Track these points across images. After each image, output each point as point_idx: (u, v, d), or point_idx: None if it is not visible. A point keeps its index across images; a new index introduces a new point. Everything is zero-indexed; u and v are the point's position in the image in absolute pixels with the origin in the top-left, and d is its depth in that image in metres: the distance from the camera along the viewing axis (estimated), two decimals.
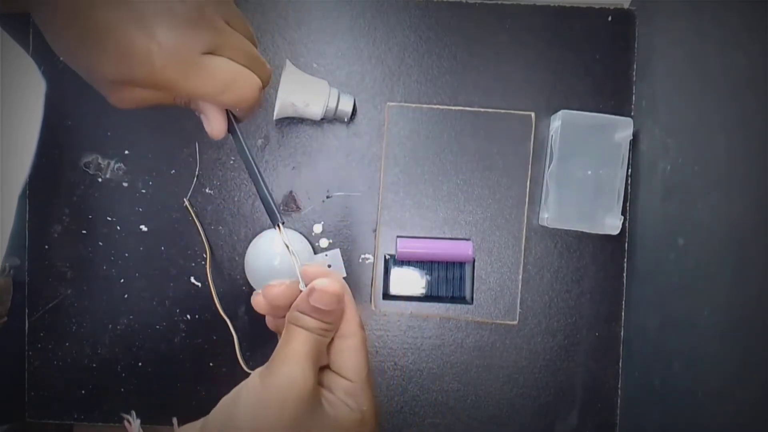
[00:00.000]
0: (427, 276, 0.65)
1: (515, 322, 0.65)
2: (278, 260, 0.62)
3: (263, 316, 0.66)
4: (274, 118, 0.62)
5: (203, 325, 0.65)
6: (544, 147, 0.65)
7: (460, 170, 0.65)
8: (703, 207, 0.51)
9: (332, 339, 0.36)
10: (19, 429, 0.64)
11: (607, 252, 0.65)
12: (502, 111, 0.65)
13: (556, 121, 0.62)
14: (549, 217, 0.62)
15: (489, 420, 0.65)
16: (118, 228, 0.64)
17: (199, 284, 0.65)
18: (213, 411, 0.33)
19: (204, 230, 0.44)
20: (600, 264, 0.65)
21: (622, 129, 0.62)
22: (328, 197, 0.65)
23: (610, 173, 0.62)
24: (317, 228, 0.65)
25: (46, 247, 0.64)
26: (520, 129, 0.65)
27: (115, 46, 0.27)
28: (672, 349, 0.55)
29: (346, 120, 0.63)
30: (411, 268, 0.65)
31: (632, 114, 0.64)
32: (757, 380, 0.42)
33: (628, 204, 0.64)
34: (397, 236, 0.65)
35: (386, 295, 0.65)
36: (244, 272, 0.64)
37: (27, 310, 0.65)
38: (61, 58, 0.29)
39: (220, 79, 0.30)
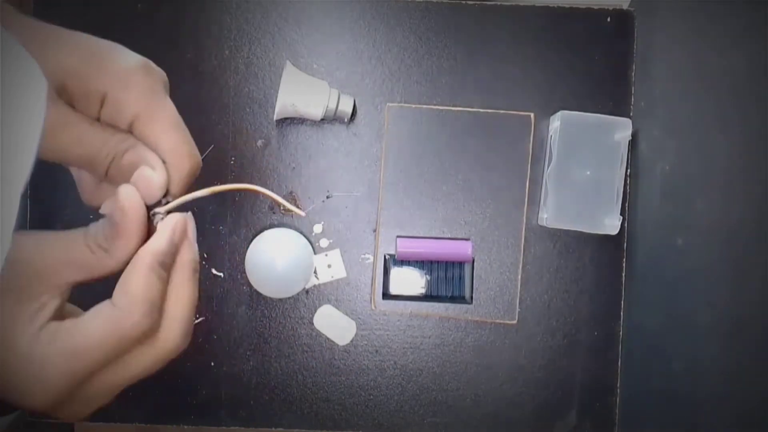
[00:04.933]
0: (427, 276, 0.65)
1: (514, 322, 0.65)
2: (279, 260, 0.62)
3: (263, 317, 0.66)
4: (275, 118, 0.62)
5: (203, 324, 0.65)
6: (544, 147, 0.65)
7: (460, 170, 0.65)
8: (701, 207, 0.51)
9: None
10: (21, 425, 0.64)
11: (606, 252, 0.65)
12: (502, 111, 0.65)
13: (556, 122, 0.62)
14: (548, 217, 0.62)
15: (488, 419, 0.65)
16: None
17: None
18: None
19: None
20: (599, 264, 0.65)
21: (621, 129, 0.62)
22: (328, 197, 0.65)
23: (609, 173, 0.63)
24: (317, 228, 0.65)
25: None
26: (520, 129, 0.65)
27: None
28: (671, 349, 0.55)
29: (346, 120, 0.63)
30: (411, 267, 0.65)
31: (631, 114, 0.65)
32: (756, 380, 0.42)
33: (626, 204, 0.64)
34: (397, 236, 0.65)
35: (386, 295, 0.65)
36: (244, 272, 0.64)
37: None
38: None
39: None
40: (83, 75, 0.31)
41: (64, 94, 0.31)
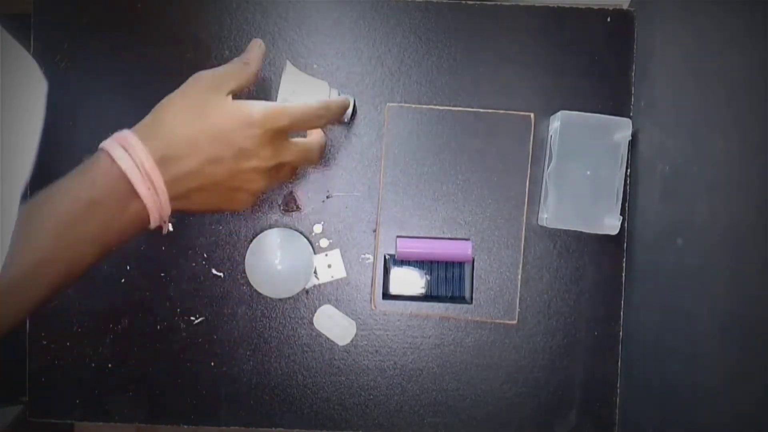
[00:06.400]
0: (427, 276, 0.65)
1: (514, 322, 0.65)
2: (279, 260, 0.62)
3: (263, 317, 0.66)
4: None
5: (204, 324, 0.65)
6: (544, 147, 0.65)
7: (460, 170, 0.65)
8: (701, 207, 0.51)
9: None
10: (22, 425, 0.64)
11: (606, 252, 0.65)
12: (502, 111, 0.65)
13: (556, 122, 0.62)
14: (548, 217, 0.62)
15: (488, 419, 0.65)
16: None
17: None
18: None
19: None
20: (599, 264, 0.65)
21: (621, 129, 0.62)
22: (328, 197, 0.65)
23: (609, 173, 0.63)
24: (317, 228, 0.65)
25: None
26: (520, 129, 0.65)
27: None
28: (671, 349, 0.55)
29: (346, 120, 0.63)
30: (411, 267, 0.65)
31: (631, 114, 0.65)
32: (756, 381, 0.42)
33: (626, 204, 0.64)
34: (397, 236, 0.65)
35: (386, 295, 0.65)
36: (244, 272, 0.64)
37: None
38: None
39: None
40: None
41: None
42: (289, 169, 0.52)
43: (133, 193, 0.42)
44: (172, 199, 0.44)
